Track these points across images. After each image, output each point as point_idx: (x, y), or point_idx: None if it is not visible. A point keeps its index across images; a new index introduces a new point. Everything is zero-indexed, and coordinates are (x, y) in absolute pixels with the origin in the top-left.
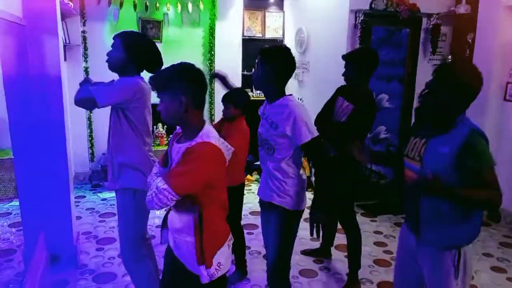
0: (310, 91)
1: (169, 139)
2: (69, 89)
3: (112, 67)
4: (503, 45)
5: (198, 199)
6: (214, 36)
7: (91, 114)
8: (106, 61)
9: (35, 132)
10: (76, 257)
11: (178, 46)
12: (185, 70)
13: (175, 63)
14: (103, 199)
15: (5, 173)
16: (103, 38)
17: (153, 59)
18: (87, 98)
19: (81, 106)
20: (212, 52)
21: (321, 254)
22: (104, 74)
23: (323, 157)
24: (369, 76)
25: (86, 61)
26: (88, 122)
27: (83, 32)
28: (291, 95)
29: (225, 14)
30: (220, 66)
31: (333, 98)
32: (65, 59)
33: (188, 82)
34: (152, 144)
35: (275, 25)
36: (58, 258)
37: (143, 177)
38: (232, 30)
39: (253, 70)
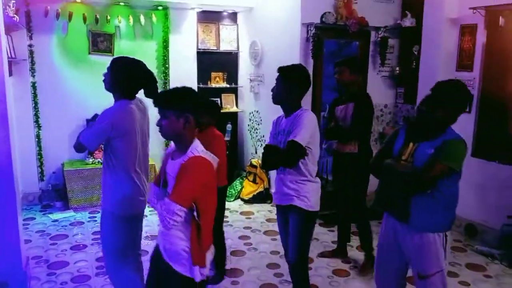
0: (265, 103)
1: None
2: (16, 105)
3: (106, 88)
4: (446, 55)
5: (198, 205)
6: (168, 49)
7: (40, 131)
8: (102, 80)
9: None
10: (26, 284)
11: None
12: (191, 92)
13: (179, 86)
14: (54, 220)
15: None
16: (51, 52)
17: (141, 82)
18: (79, 144)
19: (78, 152)
20: (167, 65)
21: (338, 254)
22: (51, 89)
23: (288, 161)
24: (360, 77)
25: (33, 76)
26: (37, 139)
27: (30, 46)
28: (304, 108)
29: (179, 27)
30: (175, 78)
31: (331, 113)
32: (10, 74)
33: (194, 104)
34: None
35: (229, 38)
36: (6, 285)
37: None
38: (186, 42)
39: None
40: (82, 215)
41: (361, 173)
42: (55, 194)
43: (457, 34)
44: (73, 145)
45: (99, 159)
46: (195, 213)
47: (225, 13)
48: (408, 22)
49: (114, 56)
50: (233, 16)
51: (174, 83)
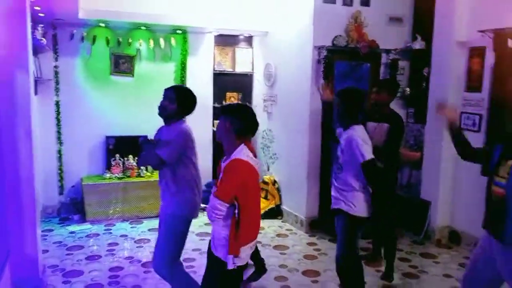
0: (278, 122)
1: (139, 170)
2: (40, 122)
3: (163, 115)
4: (455, 77)
5: (239, 202)
6: (186, 71)
7: (61, 147)
8: (159, 111)
9: (2, 164)
10: None
11: (150, 80)
12: (238, 109)
13: (235, 102)
14: (71, 232)
15: None
16: (75, 72)
17: (193, 107)
18: (158, 162)
19: (155, 168)
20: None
21: (372, 260)
22: (74, 107)
23: (377, 177)
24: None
25: (57, 95)
26: (58, 155)
27: (56, 67)
28: (357, 124)
29: (196, 50)
30: None
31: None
32: (36, 93)
33: (235, 117)
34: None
35: (244, 60)
36: None
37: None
38: (203, 65)
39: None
40: (98, 227)
41: (387, 189)
42: (73, 208)
43: (466, 57)
44: (147, 163)
45: (116, 174)
46: (236, 210)
47: (241, 37)
48: (418, 45)
49: (175, 85)
50: (249, 40)
51: None
